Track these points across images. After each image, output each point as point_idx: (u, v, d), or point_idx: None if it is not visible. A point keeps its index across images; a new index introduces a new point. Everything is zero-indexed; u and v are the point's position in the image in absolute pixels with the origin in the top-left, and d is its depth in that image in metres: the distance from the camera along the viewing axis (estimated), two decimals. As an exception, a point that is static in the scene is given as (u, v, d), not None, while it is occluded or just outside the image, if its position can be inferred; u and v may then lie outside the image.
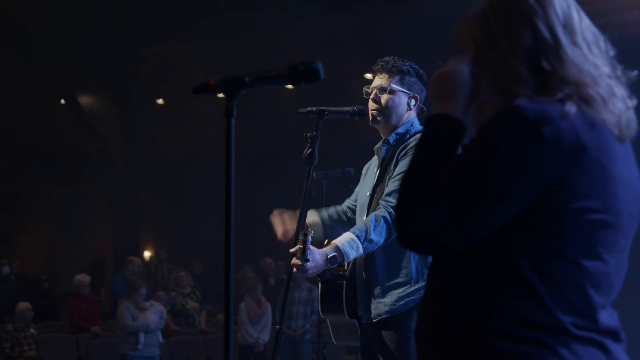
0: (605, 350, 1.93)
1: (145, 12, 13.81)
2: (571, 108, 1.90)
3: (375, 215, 4.07)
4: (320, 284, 4.37)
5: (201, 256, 16.88)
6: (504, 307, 1.91)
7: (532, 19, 1.99)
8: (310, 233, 4.01)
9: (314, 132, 4.24)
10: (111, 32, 14.68)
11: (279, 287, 13.10)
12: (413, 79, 4.35)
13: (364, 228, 4.04)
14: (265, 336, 11.32)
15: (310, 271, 4.04)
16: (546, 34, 1.98)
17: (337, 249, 4.03)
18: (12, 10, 13.78)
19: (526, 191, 1.88)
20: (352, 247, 4.02)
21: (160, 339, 10.32)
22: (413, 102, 4.35)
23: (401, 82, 4.33)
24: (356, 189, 4.65)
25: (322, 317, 4.51)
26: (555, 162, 1.86)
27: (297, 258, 4.00)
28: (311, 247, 4.01)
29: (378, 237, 4.03)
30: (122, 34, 14.74)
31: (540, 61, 1.96)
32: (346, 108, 4.36)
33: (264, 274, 13.53)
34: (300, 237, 3.99)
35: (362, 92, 4.44)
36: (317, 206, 5.31)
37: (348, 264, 4.24)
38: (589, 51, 2.00)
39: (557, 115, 1.88)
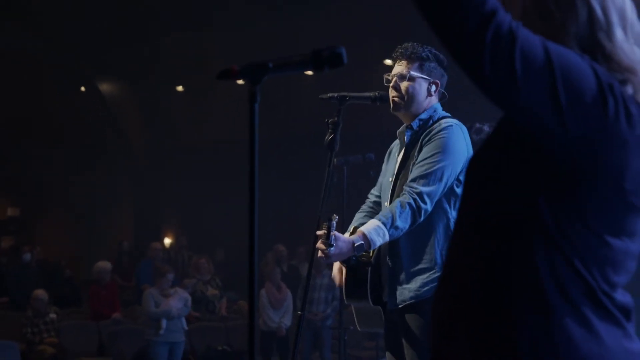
0: (621, 325, 1.95)
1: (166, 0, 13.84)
2: (629, 89, 1.93)
3: (400, 201, 4.07)
4: (345, 270, 4.39)
5: (222, 243, 16.94)
6: (541, 272, 1.91)
7: None
8: (335, 218, 4.03)
9: (336, 118, 4.26)
10: (132, 20, 14.71)
11: (292, 273, 13.14)
12: (433, 65, 4.32)
13: (390, 215, 4.05)
14: (287, 321, 11.33)
15: (333, 257, 4.07)
16: (600, 15, 1.97)
17: (363, 236, 4.03)
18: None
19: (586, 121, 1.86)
20: (378, 234, 4.03)
21: (185, 326, 10.34)
22: (434, 88, 4.33)
23: (421, 69, 4.31)
24: (379, 179, 4.65)
25: (346, 302, 4.52)
26: (614, 134, 1.87)
27: (322, 242, 4.02)
28: (336, 233, 4.03)
29: (403, 223, 4.04)
30: (142, 21, 14.78)
31: (594, 41, 1.96)
32: (368, 94, 4.36)
33: (277, 261, 13.56)
34: (325, 222, 4.01)
35: (382, 79, 4.43)
36: (338, 192, 5.30)
37: (373, 250, 4.25)
38: (635, 43, 2.00)
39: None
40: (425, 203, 4.05)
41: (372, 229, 4.04)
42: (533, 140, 1.90)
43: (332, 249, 3.98)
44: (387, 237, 4.05)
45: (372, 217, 4.46)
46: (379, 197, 4.59)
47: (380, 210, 4.49)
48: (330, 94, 4.34)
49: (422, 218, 4.08)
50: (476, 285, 1.99)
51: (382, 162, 4.67)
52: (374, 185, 4.71)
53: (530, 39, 1.83)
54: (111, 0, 13.87)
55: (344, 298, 4.47)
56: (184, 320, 10.32)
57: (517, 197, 1.95)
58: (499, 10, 1.80)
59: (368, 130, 12.74)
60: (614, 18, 1.98)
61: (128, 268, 15.97)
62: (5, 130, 18.09)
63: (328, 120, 4.28)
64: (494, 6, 1.80)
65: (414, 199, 4.05)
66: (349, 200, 5.53)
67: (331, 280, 11.33)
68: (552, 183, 1.91)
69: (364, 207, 4.66)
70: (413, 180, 4.12)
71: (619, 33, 1.98)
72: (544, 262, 1.91)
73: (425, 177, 4.10)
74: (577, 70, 1.86)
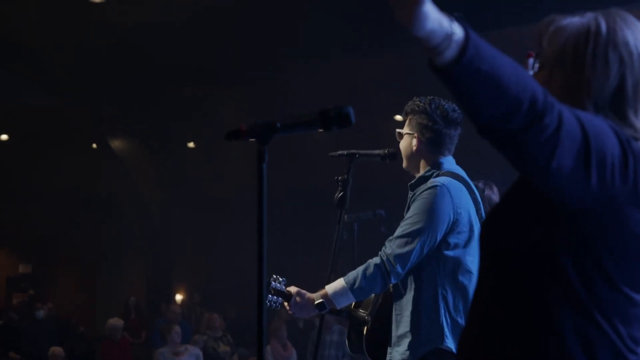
0: None
1: (179, 57, 13.93)
2: None
3: (369, 262, 4.03)
4: (348, 323, 4.42)
5: (234, 299, 16.87)
6: (561, 331, 1.91)
7: (625, 70, 1.99)
8: (277, 280, 4.14)
9: (345, 175, 4.25)
10: (143, 77, 14.81)
11: (308, 329, 13.05)
12: (418, 117, 4.16)
13: (355, 275, 4.02)
14: (290, 379, 11.26)
15: (296, 313, 4.17)
16: (629, 91, 1.99)
17: (325, 295, 4.06)
18: (43, 52, 13.93)
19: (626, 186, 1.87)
20: (341, 295, 4.04)
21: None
22: (414, 141, 4.17)
23: (409, 124, 4.20)
24: None
25: (350, 352, 4.56)
26: (635, 193, 1.88)
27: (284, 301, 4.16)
28: (300, 290, 4.14)
29: (369, 284, 3.99)
30: (153, 78, 14.87)
31: (619, 112, 1.98)
32: (377, 151, 4.33)
33: (292, 317, 13.46)
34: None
35: (392, 133, 4.43)
36: (348, 248, 5.30)
37: (374, 306, 4.27)
38: None
39: None
40: (394, 266, 3.96)
41: (336, 289, 4.04)
42: (557, 203, 1.90)
43: (288, 306, 4.15)
44: (351, 297, 4.05)
45: None
46: None
47: None
48: (340, 152, 4.34)
49: (392, 280, 4.01)
50: (502, 350, 1.97)
51: (393, 218, 4.66)
52: (384, 241, 4.70)
53: (572, 124, 1.80)
54: (122, 57, 13.96)
55: (347, 346, 4.51)
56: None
57: (540, 258, 1.94)
58: (547, 106, 1.76)
59: (380, 184, 12.74)
60: None
61: (136, 324, 15.90)
62: (16, 186, 18.12)
63: (338, 178, 4.28)
64: (547, 101, 1.77)
65: (383, 262, 3.99)
66: (359, 256, 5.52)
67: (340, 337, 11.25)
68: (574, 241, 1.90)
69: None
70: (389, 241, 4.05)
71: None
72: (570, 324, 1.90)
73: (399, 239, 4.00)
74: (605, 139, 1.85)
